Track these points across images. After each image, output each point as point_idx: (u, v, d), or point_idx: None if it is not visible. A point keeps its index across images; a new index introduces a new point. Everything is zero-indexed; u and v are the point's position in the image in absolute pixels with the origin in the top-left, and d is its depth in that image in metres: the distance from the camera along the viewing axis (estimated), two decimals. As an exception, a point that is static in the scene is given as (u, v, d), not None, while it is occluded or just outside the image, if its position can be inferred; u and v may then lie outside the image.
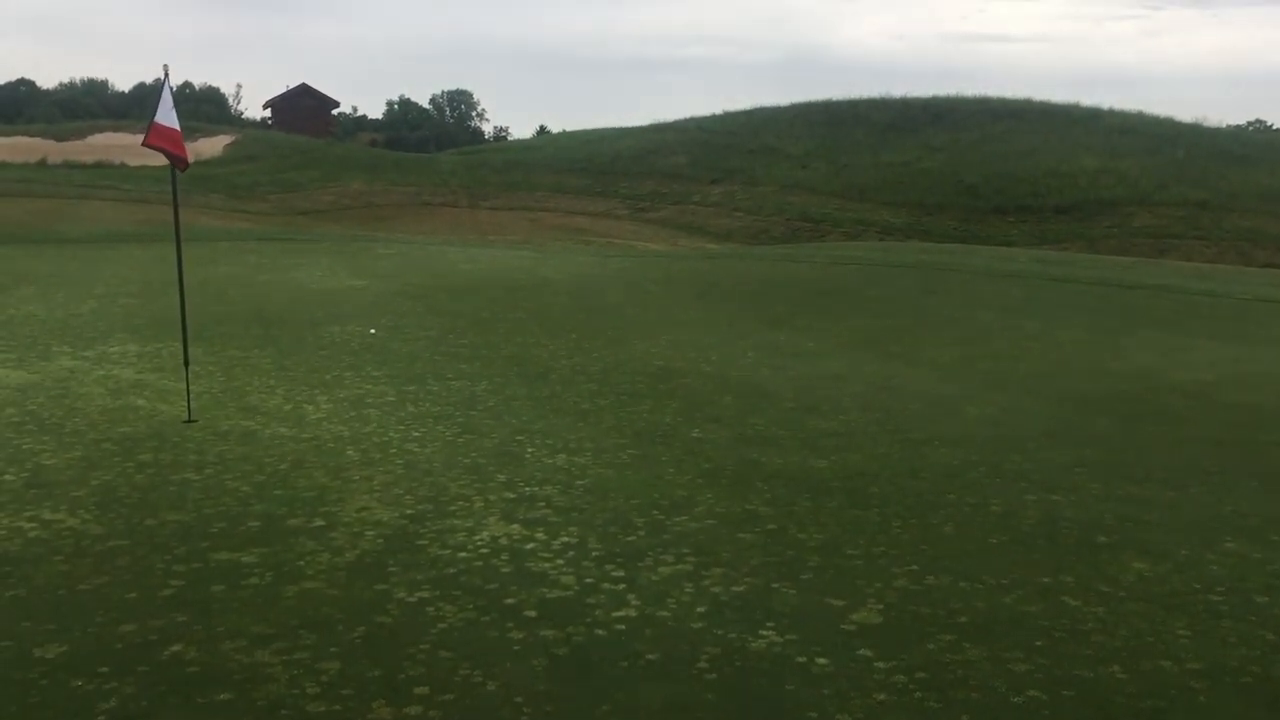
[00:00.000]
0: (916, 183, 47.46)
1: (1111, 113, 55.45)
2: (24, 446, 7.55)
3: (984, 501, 6.62)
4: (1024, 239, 39.37)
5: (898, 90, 64.03)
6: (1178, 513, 6.47)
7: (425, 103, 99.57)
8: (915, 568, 5.45)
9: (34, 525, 5.96)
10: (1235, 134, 59.43)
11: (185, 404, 8.51)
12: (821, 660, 4.40)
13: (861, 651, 4.49)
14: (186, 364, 8.72)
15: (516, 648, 4.49)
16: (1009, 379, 10.60)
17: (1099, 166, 46.38)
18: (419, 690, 4.13)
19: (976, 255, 25.62)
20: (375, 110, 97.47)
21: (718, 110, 62.96)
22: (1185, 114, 63.36)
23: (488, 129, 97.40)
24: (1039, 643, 4.61)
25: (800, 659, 4.41)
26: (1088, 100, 58.95)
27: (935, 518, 6.32)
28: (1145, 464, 7.60)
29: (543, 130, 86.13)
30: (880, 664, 4.37)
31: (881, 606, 4.96)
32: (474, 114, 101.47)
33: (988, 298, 16.52)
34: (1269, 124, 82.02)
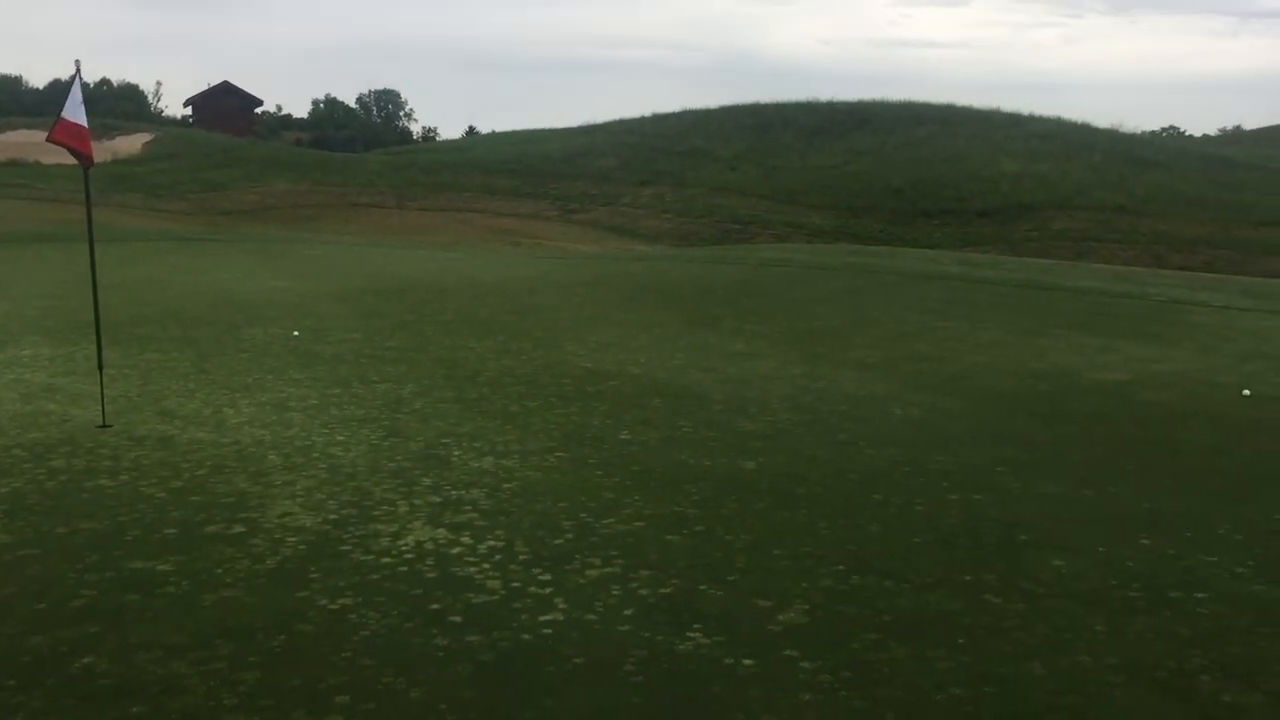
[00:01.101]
0: (844, 186, 48.12)
1: (1031, 118, 56.76)
2: (-71, 453, 7.29)
3: (909, 501, 6.70)
4: (948, 241, 40.08)
5: (825, 94, 64.83)
6: (1096, 510, 6.60)
7: (352, 102, 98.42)
8: (841, 568, 5.49)
9: (-62, 535, 5.75)
10: (1150, 140, 61.27)
11: (100, 408, 8.28)
12: (748, 661, 4.41)
13: (788, 652, 4.50)
14: (101, 367, 8.48)
15: (441, 654, 4.43)
16: (933, 379, 10.75)
17: (1019, 170, 47.46)
18: (340, 699, 4.05)
19: (902, 257, 25.99)
20: (300, 109, 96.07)
21: (647, 112, 63.23)
22: (1102, 120, 65.01)
23: (416, 129, 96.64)
24: (961, 640, 4.66)
25: (727, 660, 4.41)
26: (1009, 106, 60.45)
27: (861, 518, 6.37)
28: (1064, 462, 7.75)
29: (471, 131, 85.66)
30: (806, 664, 4.39)
31: (808, 607, 4.99)
32: (402, 114, 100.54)
33: (913, 299, 16.75)
34: (1182, 130, 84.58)
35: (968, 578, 5.41)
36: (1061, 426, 8.93)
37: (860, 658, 4.47)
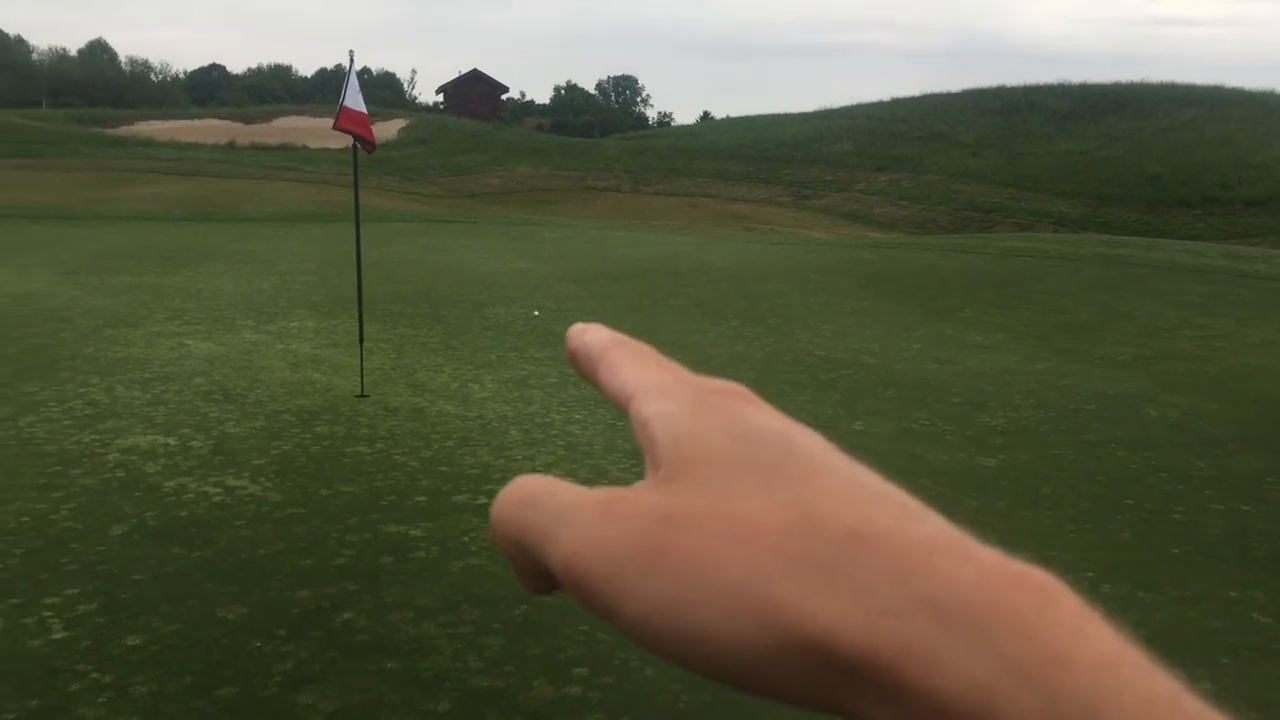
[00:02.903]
0: (1095, 173, 45.62)
1: (1313, 100, 52.10)
2: (211, 415, 7.94)
3: (1165, 508, 6.29)
4: (1210, 233, 37.33)
5: (1076, 76, 61.73)
6: (1383, 530, 6.02)
7: (591, 88, 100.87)
8: (1091, 575, 5.22)
9: (219, 491, 6.26)
10: None
11: (359, 379, 8.80)
12: (989, 666, 4.25)
13: (1031, 659, 4.31)
14: (361, 340, 9.01)
15: (675, 634, 4.47)
16: (1193, 380, 10.05)
17: (1297, 157, 43.64)
18: (578, 671, 4.16)
19: (1159, 249, 24.38)
20: (542, 95, 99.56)
21: (885, 97, 61.89)
22: (1396, 102, 58.96)
23: (651, 114, 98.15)
24: (1225, 660, 4.35)
25: (966, 663, 4.27)
26: (1286, 86, 55.67)
27: (1112, 523, 6.04)
28: (1346, 476, 7.10)
29: (706, 116, 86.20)
30: (1052, 674, 4.19)
31: (1053, 613, 4.75)
32: (638, 99, 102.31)
33: (1170, 293, 15.70)
34: None
35: (1233, 594, 5.04)
36: (1343, 436, 8.18)
37: (1111, 671, 4.23)
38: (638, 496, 0.35)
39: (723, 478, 0.35)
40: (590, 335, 0.45)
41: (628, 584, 0.33)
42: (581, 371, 0.45)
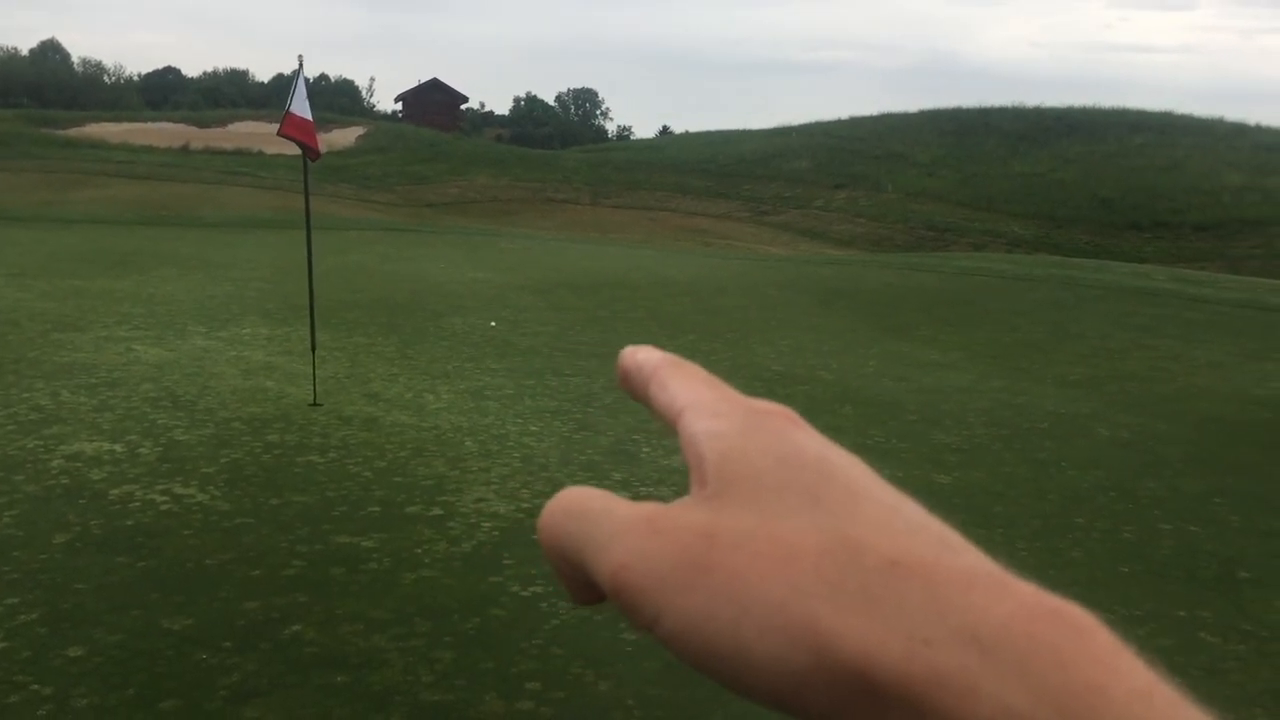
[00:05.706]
0: (1048, 194, 46.30)
1: (1259, 129, 53.38)
2: (159, 422, 7.80)
3: (1115, 528, 6.36)
4: (1159, 256, 37.97)
5: (1032, 99, 62.72)
6: (1327, 551, 6.11)
7: (551, 100, 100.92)
8: (1042, 593, 5.24)
9: (166, 499, 6.14)
10: (1394, 153, 56.41)
11: (312, 388, 8.70)
12: (942, 683, 4.25)
13: (984, 677, 4.33)
14: (314, 349, 8.91)
15: (629, 649, 4.45)
16: (1143, 400, 10.19)
17: (1244, 184, 44.60)
18: (531, 685, 4.12)
19: (1109, 271, 24.76)
20: (502, 106, 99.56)
21: (844, 115, 62.55)
22: (1340, 132, 60.40)
23: (611, 128, 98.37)
24: (1174, 680, 4.38)
25: (919, 680, 4.27)
26: (1234, 114, 57.09)
27: (1063, 542, 6.09)
28: (1291, 497, 7.21)
29: (665, 130, 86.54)
30: (1004, 691, 4.21)
31: (1005, 631, 4.78)
32: (598, 112, 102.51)
33: (1121, 315, 15.93)
34: None
35: (1181, 613, 5.09)
36: (1287, 458, 8.32)
37: (1062, 689, 4.25)
38: (682, 513, 0.36)
39: (766, 499, 0.36)
40: (642, 355, 0.46)
41: (668, 598, 0.34)
42: (633, 391, 0.46)
